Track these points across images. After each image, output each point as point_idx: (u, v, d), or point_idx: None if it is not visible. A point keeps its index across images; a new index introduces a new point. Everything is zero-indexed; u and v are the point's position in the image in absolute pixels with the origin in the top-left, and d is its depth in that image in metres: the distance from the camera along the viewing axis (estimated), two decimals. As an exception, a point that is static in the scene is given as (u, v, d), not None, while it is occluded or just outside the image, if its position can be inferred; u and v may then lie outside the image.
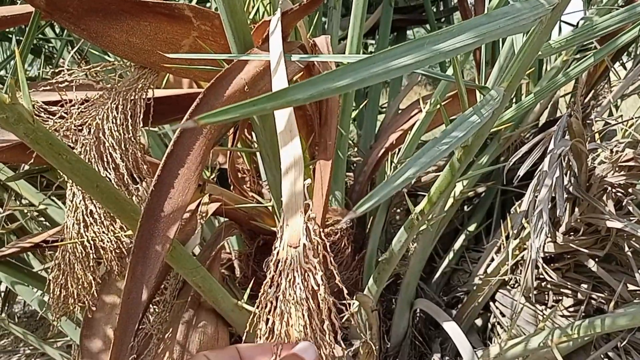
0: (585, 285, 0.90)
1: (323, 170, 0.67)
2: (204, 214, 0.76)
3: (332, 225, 0.94)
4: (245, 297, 0.68)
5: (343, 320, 0.88)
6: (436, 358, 1.05)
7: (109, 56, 0.95)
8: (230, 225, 0.89)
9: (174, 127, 0.96)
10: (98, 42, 0.55)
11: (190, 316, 0.70)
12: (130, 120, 0.58)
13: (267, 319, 0.38)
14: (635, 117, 0.82)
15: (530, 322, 0.96)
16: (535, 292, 0.96)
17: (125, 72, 0.62)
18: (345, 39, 0.88)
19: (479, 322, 1.12)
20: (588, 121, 0.98)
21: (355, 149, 1.40)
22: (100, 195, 0.46)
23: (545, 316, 0.89)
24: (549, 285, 0.95)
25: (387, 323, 1.09)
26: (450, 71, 0.98)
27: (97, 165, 0.55)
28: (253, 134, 0.82)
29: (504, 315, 1.03)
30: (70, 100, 0.57)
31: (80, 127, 0.56)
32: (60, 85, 0.57)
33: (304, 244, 0.37)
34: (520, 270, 0.94)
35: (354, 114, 1.42)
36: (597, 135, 0.88)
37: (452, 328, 0.90)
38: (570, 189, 0.80)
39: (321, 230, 0.38)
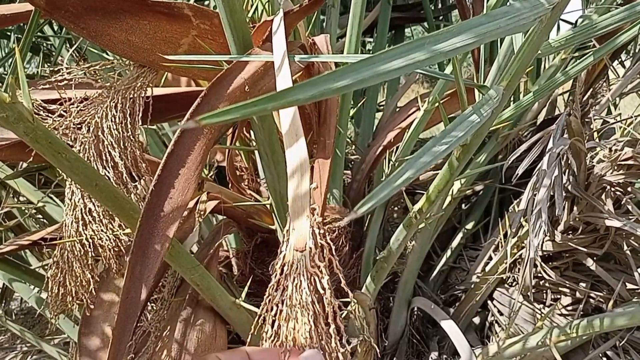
0: (583, 284, 0.90)
1: (322, 168, 0.67)
2: (202, 212, 0.76)
3: (330, 223, 0.94)
4: (243, 295, 0.68)
5: (341, 319, 0.88)
6: (434, 356, 1.05)
7: (107, 55, 0.94)
8: (228, 223, 0.89)
9: (173, 126, 0.96)
10: (97, 41, 0.55)
11: (188, 314, 0.70)
12: (129, 119, 0.58)
13: (273, 322, 0.38)
14: (634, 116, 0.83)
15: (529, 320, 0.96)
16: (533, 291, 0.96)
17: (124, 70, 0.62)
18: (343, 37, 0.88)
19: (476, 320, 1.13)
20: (586, 120, 0.99)
21: (353, 147, 1.40)
22: (99, 194, 0.46)
23: (543, 315, 0.89)
24: (547, 284, 0.95)
25: (384, 321, 1.09)
26: (448, 70, 0.98)
27: (96, 164, 0.55)
28: (251, 132, 0.81)
29: (502, 314, 1.03)
30: (70, 99, 0.56)
31: (79, 126, 0.56)
32: (59, 83, 0.57)
33: (310, 248, 0.37)
34: (519, 269, 0.94)
35: (351, 112, 1.42)
36: (595, 134, 0.88)
37: (449, 326, 0.90)
38: (569, 187, 0.80)
39: (326, 233, 0.38)
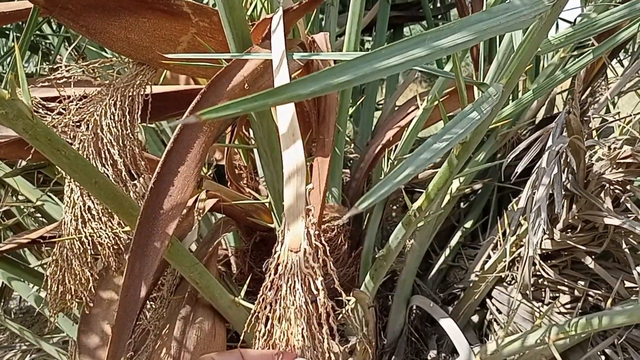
0: (582, 282, 0.91)
1: (321, 167, 0.66)
2: (201, 210, 0.76)
3: (328, 222, 0.94)
4: (242, 293, 0.68)
5: (340, 317, 0.88)
6: (432, 354, 1.06)
7: (106, 53, 0.94)
8: (227, 222, 0.89)
9: (171, 123, 0.96)
10: (96, 39, 0.55)
11: (187, 312, 0.70)
12: (128, 117, 0.58)
13: (266, 322, 0.38)
14: (633, 114, 0.83)
15: (527, 319, 0.96)
16: (532, 289, 0.96)
17: (123, 68, 0.62)
18: (342, 35, 0.88)
19: (475, 318, 1.13)
20: (585, 118, 0.99)
21: (352, 146, 1.40)
22: (98, 192, 0.46)
23: (542, 313, 0.89)
24: (546, 282, 0.95)
25: (383, 320, 1.09)
26: (447, 68, 0.98)
27: (95, 162, 0.55)
28: (250, 130, 0.81)
29: (500, 312, 1.04)
30: (69, 97, 0.56)
31: (78, 123, 0.56)
32: (58, 81, 0.57)
33: (305, 249, 0.37)
34: (517, 267, 0.94)
35: (350, 111, 1.42)
36: (594, 132, 0.88)
37: (448, 325, 0.91)
38: (568, 185, 0.80)
39: (321, 233, 0.38)
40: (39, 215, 1.25)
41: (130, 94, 0.58)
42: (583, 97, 1.07)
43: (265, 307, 0.38)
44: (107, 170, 0.55)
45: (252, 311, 0.39)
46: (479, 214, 1.29)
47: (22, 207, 1.13)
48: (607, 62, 1.01)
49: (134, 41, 0.57)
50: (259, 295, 0.39)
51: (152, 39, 0.57)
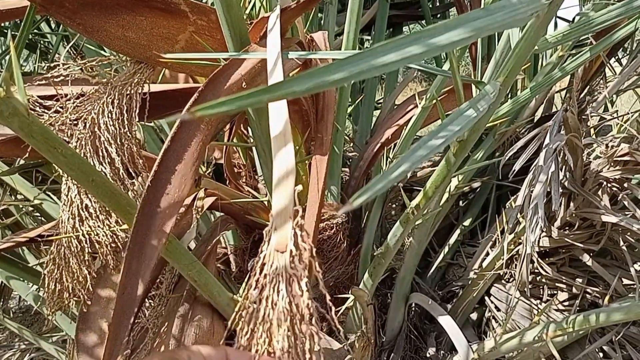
0: (580, 280, 0.91)
1: (319, 165, 0.67)
2: (199, 209, 0.76)
3: (327, 220, 0.94)
4: (241, 291, 0.68)
5: (339, 314, 0.88)
6: (431, 352, 1.06)
7: (105, 51, 0.94)
8: (226, 220, 0.89)
9: (169, 120, 0.96)
10: (94, 37, 0.55)
11: (185, 310, 0.70)
12: (126, 115, 0.58)
13: (249, 321, 0.38)
14: (631, 113, 0.83)
15: (525, 316, 0.96)
16: (530, 287, 0.96)
17: (121, 66, 0.62)
18: (341, 34, 0.88)
19: (474, 316, 1.13)
20: (583, 117, 0.99)
21: (351, 144, 1.40)
22: (95, 190, 0.46)
23: (540, 310, 0.89)
24: (544, 280, 0.95)
25: (382, 317, 1.09)
26: (446, 67, 0.98)
27: (92, 160, 0.55)
28: (249, 129, 0.81)
29: (499, 310, 1.04)
30: (66, 95, 0.56)
31: (75, 122, 0.56)
32: (55, 79, 0.57)
33: (291, 250, 0.37)
34: (516, 265, 0.94)
35: (349, 110, 1.42)
36: (592, 131, 0.88)
37: (447, 322, 0.91)
38: (566, 183, 0.80)
39: (309, 235, 0.38)
40: (37, 214, 1.25)
41: (128, 92, 0.58)
42: (581, 95, 1.07)
43: (249, 307, 0.38)
44: (105, 168, 0.55)
45: (235, 310, 0.39)
46: (478, 212, 1.29)
47: (20, 206, 1.13)
48: (606, 61, 1.01)
49: (131, 39, 0.57)
50: (242, 294, 0.39)
51: (150, 37, 0.57)
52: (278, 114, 0.41)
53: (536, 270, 0.93)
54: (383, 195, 1.12)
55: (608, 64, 1.01)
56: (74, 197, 0.54)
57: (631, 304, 0.70)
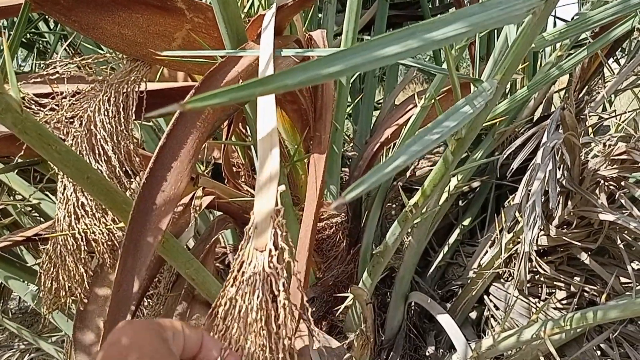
0: (578, 278, 0.91)
1: (317, 163, 0.66)
2: (197, 207, 0.76)
3: (327, 219, 0.94)
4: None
5: (338, 313, 0.88)
6: (430, 350, 1.06)
7: (102, 50, 0.94)
8: (224, 219, 0.89)
9: (161, 113, 0.96)
10: (89, 34, 0.55)
11: (183, 309, 0.70)
12: (122, 113, 0.57)
13: (224, 318, 0.38)
14: (628, 111, 0.83)
15: (524, 314, 0.96)
16: (528, 285, 0.96)
17: (117, 64, 0.62)
18: (340, 34, 0.88)
19: (473, 315, 1.13)
20: (582, 116, 0.99)
21: (351, 144, 1.40)
22: (91, 187, 0.46)
23: (538, 308, 0.89)
24: (542, 278, 0.95)
25: (382, 316, 1.09)
26: (445, 66, 0.98)
27: (88, 158, 0.55)
28: (247, 127, 0.81)
29: (497, 308, 1.04)
30: (62, 93, 0.56)
31: (71, 119, 0.56)
32: (51, 77, 0.57)
33: (270, 250, 0.37)
34: (514, 264, 0.94)
35: (349, 110, 1.42)
36: (590, 129, 0.88)
37: (446, 321, 0.91)
38: (564, 182, 0.80)
39: (287, 234, 0.38)
40: (36, 214, 1.25)
41: (125, 90, 0.58)
42: (580, 95, 1.07)
43: (226, 303, 0.38)
44: (101, 166, 0.54)
45: (212, 306, 0.39)
46: (477, 212, 1.29)
47: (18, 205, 1.13)
48: (604, 61, 1.01)
49: (127, 37, 0.56)
50: (221, 290, 0.39)
51: (146, 34, 0.57)
52: (266, 117, 0.41)
53: (534, 269, 0.93)
54: (382, 194, 1.12)
55: (606, 64, 1.01)
56: (70, 195, 0.54)
57: (627, 302, 0.70)
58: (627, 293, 0.84)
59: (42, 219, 1.22)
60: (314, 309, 0.94)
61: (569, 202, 0.82)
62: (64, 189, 0.55)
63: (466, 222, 1.27)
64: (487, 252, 1.07)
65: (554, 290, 0.95)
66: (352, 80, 1.23)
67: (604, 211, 0.76)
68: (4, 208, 1.16)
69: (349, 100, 1.27)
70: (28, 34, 1.44)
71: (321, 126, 0.72)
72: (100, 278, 0.70)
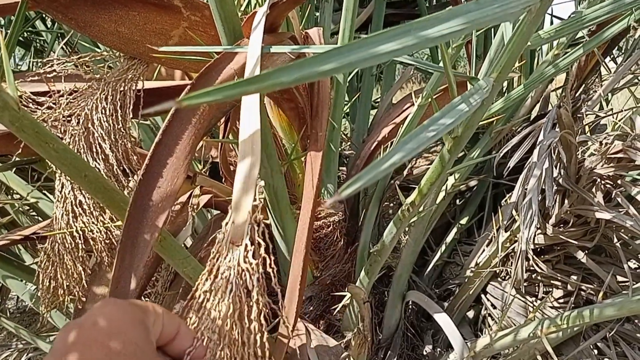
0: (575, 277, 0.91)
1: (314, 161, 0.67)
2: (195, 206, 0.76)
3: (325, 218, 0.94)
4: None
5: (336, 312, 0.88)
6: (428, 349, 1.06)
7: (99, 48, 0.94)
8: (222, 218, 0.89)
9: (156, 110, 0.96)
10: (86, 32, 0.55)
11: (181, 307, 0.70)
12: (119, 111, 0.58)
13: (198, 310, 0.38)
14: (624, 110, 0.83)
15: (521, 313, 0.97)
16: (525, 284, 0.96)
17: (114, 62, 0.62)
18: (338, 33, 0.88)
19: (470, 314, 1.13)
20: (579, 115, 0.99)
21: (349, 143, 1.40)
22: (88, 185, 0.46)
23: (535, 307, 0.89)
24: (539, 277, 0.95)
25: (379, 315, 1.09)
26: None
27: (86, 156, 0.55)
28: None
29: (495, 307, 1.04)
30: (59, 91, 0.56)
31: (69, 118, 0.56)
32: (48, 75, 0.57)
33: (246, 244, 0.37)
34: (511, 263, 0.94)
35: (346, 108, 1.42)
36: (587, 128, 0.89)
37: (443, 320, 0.91)
38: (560, 180, 0.80)
39: (264, 230, 0.38)
40: (34, 213, 1.25)
41: (122, 88, 0.58)
42: (577, 94, 1.07)
43: (200, 296, 0.38)
44: (99, 164, 0.55)
45: (188, 297, 0.39)
46: (475, 211, 1.29)
47: (15, 204, 1.13)
48: (601, 60, 1.02)
49: (124, 35, 0.57)
50: (197, 282, 0.39)
51: (143, 32, 0.57)
52: (250, 120, 0.41)
53: (531, 268, 0.94)
54: (380, 193, 1.12)
55: (603, 63, 1.01)
56: (68, 194, 0.54)
57: (624, 300, 0.71)
58: (624, 292, 0.84)
59: (40, 218, 1.22)
60: (311, 308, 0.94)
61: (566, 201, 0.82)
62: (62, 187, 0.55)
63: (463, 221, 1.27)
64: (484, 250, 1.08)
65: (551, 289, 0.95)
66: (349, 79, 1.23)
67: (600, 209, 0.76)
68: (2, 207, 1.16)
69: (347, 98, 1.27)
70: (25, 33, 1.44)
71: (317, 124, 0.72)
72: (99, 276, 0.70)
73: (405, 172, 1.23)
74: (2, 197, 1.12)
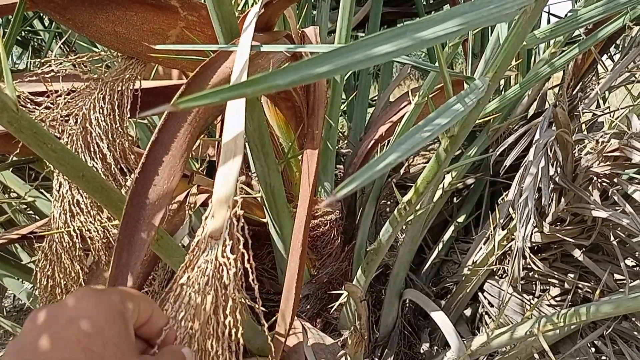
0: (571, 275, 0.91)
1: (310, 159, 0.67)
2: (192, 205, 0.76)
3: (321, 216, 0.94)
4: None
5: (332, 310, 0.89)
6: (425, 347, 1.06)
7: (97, 48, 0.94)
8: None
9: (154, 113, 0.96)
10: (84, 32, 0.55)
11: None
12: (117, 111, 0.58)
13: (174, 302, 0.38)
14: (621, 108, 0.83)
15: (518, 311, 0.97)
16: (522, 282, 0.96)
17: (112, 62, 0.62)
18: (334, 31, 0.88)
19: (467, 312, 1.13)
20: (575, 113, 0.99)
21: (346, 142, 1.40)
22: (86, 185, 0.46)
23: (532, 305, 0.90)
24: (536, 275, 0.96)
25: (376, 313, 1.09)
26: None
27: (84, 155, 0.55)
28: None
29: (492, 306, 1.04)
30: (57, 91, 0.56)
31: (66, 118, 0.56)
32: (46, 75, 0.57)
33: (225, 239, 0.37)
34: (508, 261, 0.95)
35: (343, 107, 1.42)
36: (583, 126, 0.89)
37: (440, 318, 0.91)
38: (557, 179, 0.80)
39: (244, 226, 0.38)
40: (32, 213, 1.25)
41: (120, 88, 0.58)
42: (574, 92, 1.07)
43: (176, 289, 0.38)
44: (96, 163, 0.55)
45: (166, 290, 0.39)
46: (472, 209, 1.30)
47: (13, 203, 1.13)
48: (598, 58, 1.02)
49: (122, 35, 0.57)
50: (175, 275, 0.39)
51: (140, 32, 0.57)
52: (234, 122, 0.41)
53: (528, 266, 0.94)
54: (377, 191, 1.12)
55: (600, 61, 1.02)
56: (66, 193, 0.54)
57: (620, 298, 0.71)
58: (621, 290, 0.84)
59: (37, 217, 1.22)
60: (308, 306, 0.94)
61: (562, 199, 0.83)
62: (60, 186, 0.55)
63: (461, 219, 1.27)
64: (481, 249, 1.08)
65: (548, 287, 0.96)
66: (346, 78, 1.23)
67: (597, 208, 0.76)
68: (0, 206, 1.16)
69: (344, 97, 1.27)
70: (23, 32, 1.44)
71: (314, 122, 0.72)
72: (96, 275, 0.70)
73: (402, 171, 1.23)
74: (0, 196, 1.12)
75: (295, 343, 0.77)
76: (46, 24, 1.42)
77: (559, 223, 0.87)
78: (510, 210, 0.91)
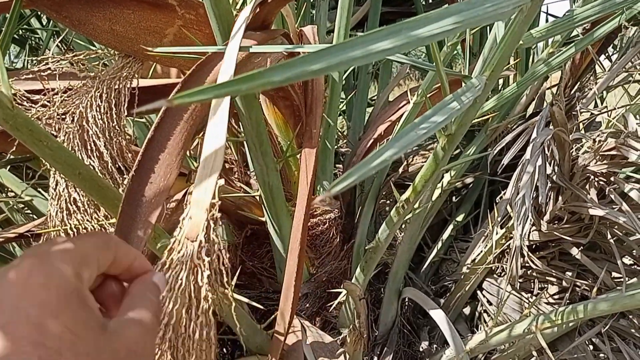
0: (569, 273, 0.91)
1: (308, 158, 0.67)
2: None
3: (321, 215, 0.94)
4: (232, 286, 0.68)
5: (332, 309, 0.89)
6: (424, 346, 1.06)
7: (94, 46, 0.94)
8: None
9: (148, 109, 0.96)
10: (81, 30, 0.55)
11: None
12: (114, 109, 0.58)
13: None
14: (618, 108, 0.83)
15: (516, 309, 0.97)
16: (521, 280, 0.97)
17: (109, 60, 0.62)
18: (333, 31, 0.88)
19: (466, 310, 1.14)
20: (573, 112, 0.99)
21: (345, 141, 1.40)
22: (82, 183, 0.46)
23: (530, 303, 0.90)
24: (534, 274, 0.96)
25: (375, 312, 1.10)
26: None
27: (80, 153, 0.55)
28: (239, 123, 0.82)
29: (491, 304, 1.04)
30: (53, 89, 0.56)
31: (63, 116, 0.56)
32: (43, 73, 0.57)
33: (201, 241, 0.37)
34: (507, 259, 0.95)
35: (342, 106, 1.42)
36: (581, 125, 0.89)
37: (439, 316, 0.91)
38: (554, 177, 0.81)
39: (218, 227, 0.38)
40: (29, 211, 1.25)
41: (117, 86, 0.58)
42: (572, 92, 1.08)
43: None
44: (93, 162, 0.55)
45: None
46: (471, 208, 1.30)
47: (10, 202, 1.13)
48: (595, 58, 1.02)
49: (118, 33, 0.57)
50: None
51: (137, 30, 0.57)
52: (218, 119, 0.41)
53: (527, 264, 0.94)
54: (376, 190, 1.12)
55: (597, 61, 1.02)
56: (62, 191, 0.54)
57: (617, 296, 0.71)
58: (618, 287, 0.85)
59: (34, 216, 1.22)
60: (307, 305, 0.94)
61: (560, 198, 0.83)
62: (56, 185, 0.55)
63: (460, 218, 1.28)
64: (480, 247, 1.08)
65: (546, 285, 0.96)
66: (345, 77, 1.23)
67: (594, 206, 0.77)
68: (-2, 206, 1.16)
69: (343, 96, 1.27)
70: (20, 30, 1.44)
71: (312, 121, 0.72)
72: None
73: (401, 170, 1.24)
74: (-2, 195, 1.12)
75: (294, 341, 0.77)
76: (44, 23, 1.42)
77: (556, 221, 0.87)
78: (508, 208, 0.91)
